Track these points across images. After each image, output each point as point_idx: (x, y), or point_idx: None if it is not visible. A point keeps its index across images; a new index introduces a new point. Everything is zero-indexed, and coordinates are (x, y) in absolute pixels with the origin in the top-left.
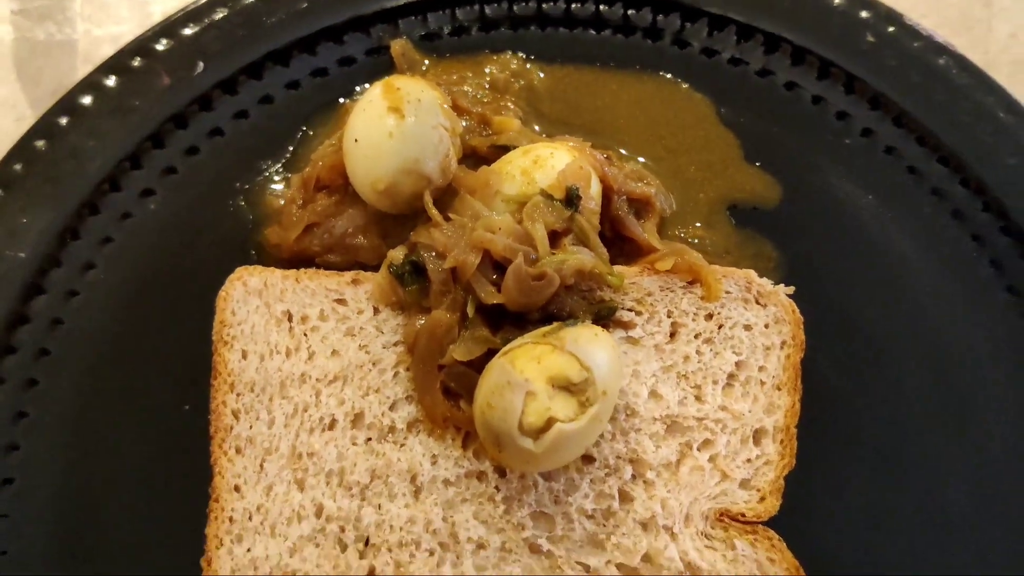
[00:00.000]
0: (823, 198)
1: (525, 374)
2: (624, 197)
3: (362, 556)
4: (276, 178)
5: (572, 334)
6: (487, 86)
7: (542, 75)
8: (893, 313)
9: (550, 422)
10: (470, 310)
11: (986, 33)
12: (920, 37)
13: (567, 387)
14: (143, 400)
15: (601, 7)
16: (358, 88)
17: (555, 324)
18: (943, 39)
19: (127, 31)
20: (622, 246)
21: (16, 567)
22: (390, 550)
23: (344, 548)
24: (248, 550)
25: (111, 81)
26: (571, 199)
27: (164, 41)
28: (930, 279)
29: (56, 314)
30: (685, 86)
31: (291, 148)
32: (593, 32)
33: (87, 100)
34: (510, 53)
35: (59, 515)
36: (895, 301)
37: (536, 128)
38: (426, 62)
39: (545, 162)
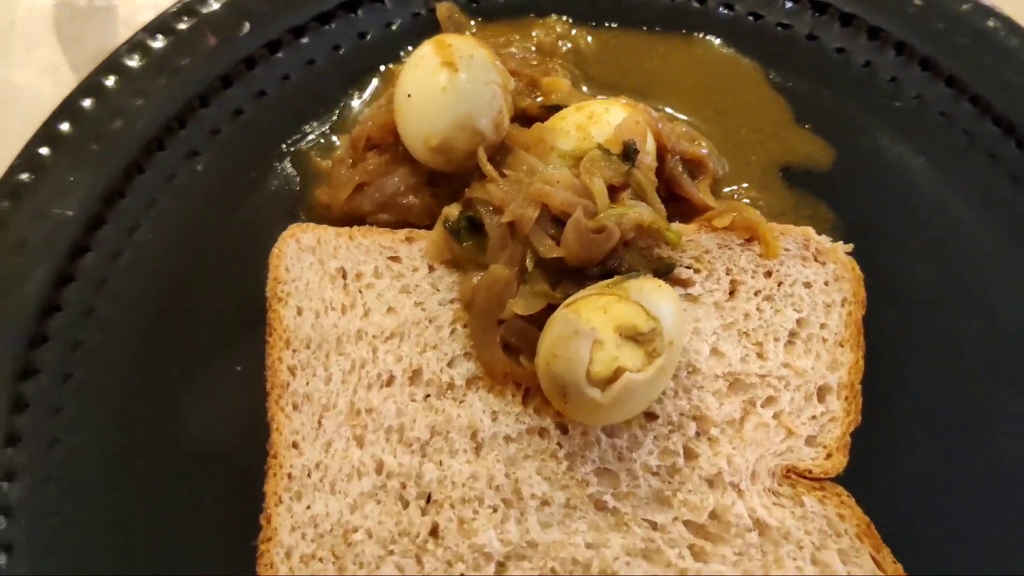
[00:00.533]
0: (876, 161)
1: (592, 323)
2: (678, 157)
3: (424, 512)
4: (322, 141)
5: (636, 285)
6: (534, 49)
7: (589, 39)
8: (949, 275)
9: (618, 372)
10: (529, 264)
11: None
12: (967, 0)
13: (634, 337)
14: (191, 360)
15: None
16: (402, 53)
17: (616, 277)
18: (990, 1)
19: None
20: (677, 207)
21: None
22: (453, 506)
23: (406, 504)
24: (308, 507)
25: (157, 42)
26: (628, 153)
27: (210, 2)
28: (986, 241)
29: (103, 273)
30: (732, 50)
31: (336, 111)
32: None
33: (133, 61)
34: (555, 16)
35: (110, 482)
36: (951, 263)
37: (585, 90)
38: (472, 23)
39: (600, 118)
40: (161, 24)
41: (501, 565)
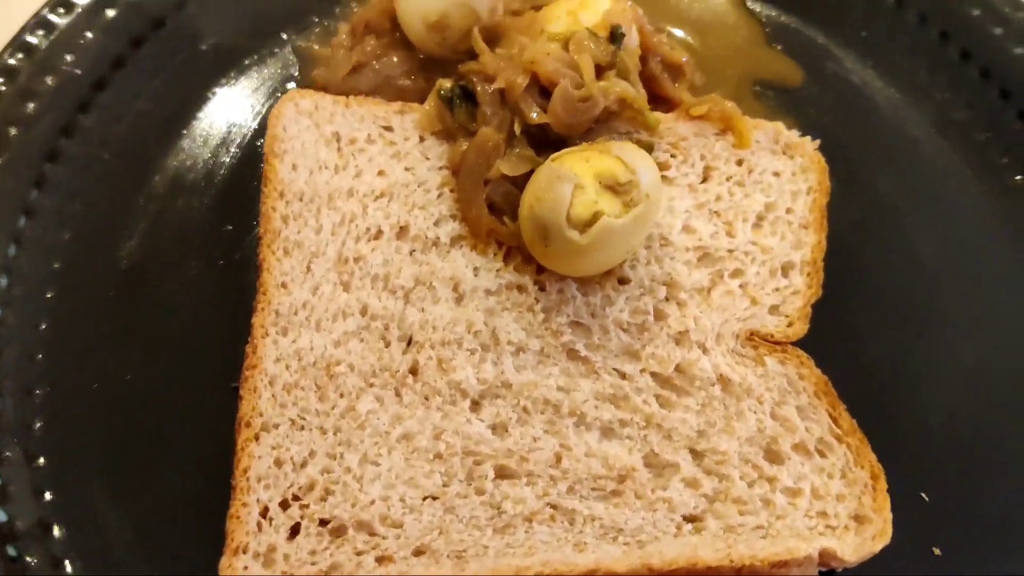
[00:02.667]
0: (843, 83)
1: (574, 170)
2: (659, 58)
3: (405, 352)
4: (323, 31)
5: (617, 145)
6: None
7: None
8: (906, 187)
9: (597, 215)
10: (517, 129)
11: None
12: None
13: (613, 187)
14: (184, 228)
15: None
16: None
17: (599, 139)
18: None
19: None
20: (656, 107)
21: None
22: (432, 347)
23: (388, 344)
24: (293, 341)
25: None
26: (615, 36)
27: None
28: (941, 159)
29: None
30: None
31: (338, 6)
32: None
33: None
34: None
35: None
36: (908, 176)
37: None
38: None
39: (590, 5)
40: None
41: (476, 403)
